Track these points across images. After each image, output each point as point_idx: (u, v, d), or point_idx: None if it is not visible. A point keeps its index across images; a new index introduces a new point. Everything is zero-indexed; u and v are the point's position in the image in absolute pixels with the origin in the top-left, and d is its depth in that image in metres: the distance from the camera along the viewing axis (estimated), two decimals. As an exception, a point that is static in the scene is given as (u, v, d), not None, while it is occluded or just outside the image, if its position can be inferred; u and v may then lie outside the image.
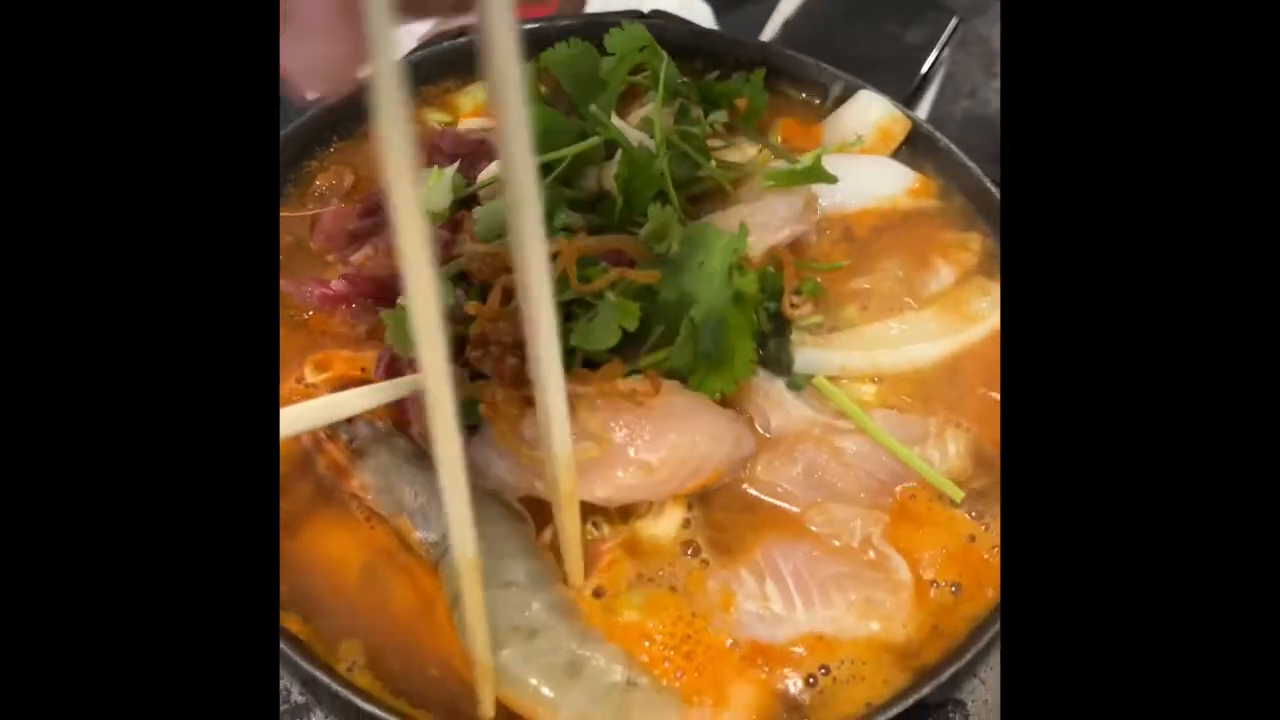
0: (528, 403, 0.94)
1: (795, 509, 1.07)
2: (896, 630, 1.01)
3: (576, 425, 0.93)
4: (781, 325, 1.16)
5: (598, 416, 0.97)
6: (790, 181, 1.25)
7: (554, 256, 0.96)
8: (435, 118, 1.40)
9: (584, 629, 0.95)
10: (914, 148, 1.39)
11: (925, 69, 1.62)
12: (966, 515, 1.09)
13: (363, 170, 1.32)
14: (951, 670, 0.98)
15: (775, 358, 1.15)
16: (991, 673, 1.12)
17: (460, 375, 0.97)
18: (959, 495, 1.08)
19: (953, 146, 1.36)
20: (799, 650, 0.99)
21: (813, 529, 1.05)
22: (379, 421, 1.08)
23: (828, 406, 1.14)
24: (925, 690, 0.96)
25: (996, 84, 1.66)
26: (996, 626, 1.01)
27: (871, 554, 1.03)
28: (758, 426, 1.12)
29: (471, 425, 0.99)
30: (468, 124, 1.36)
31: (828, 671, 0.99)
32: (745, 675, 0.97)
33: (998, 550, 1.07)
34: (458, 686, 0.95)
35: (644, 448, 0.99)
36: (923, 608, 1.03)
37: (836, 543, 1.04)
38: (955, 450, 1.13)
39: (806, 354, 1.16)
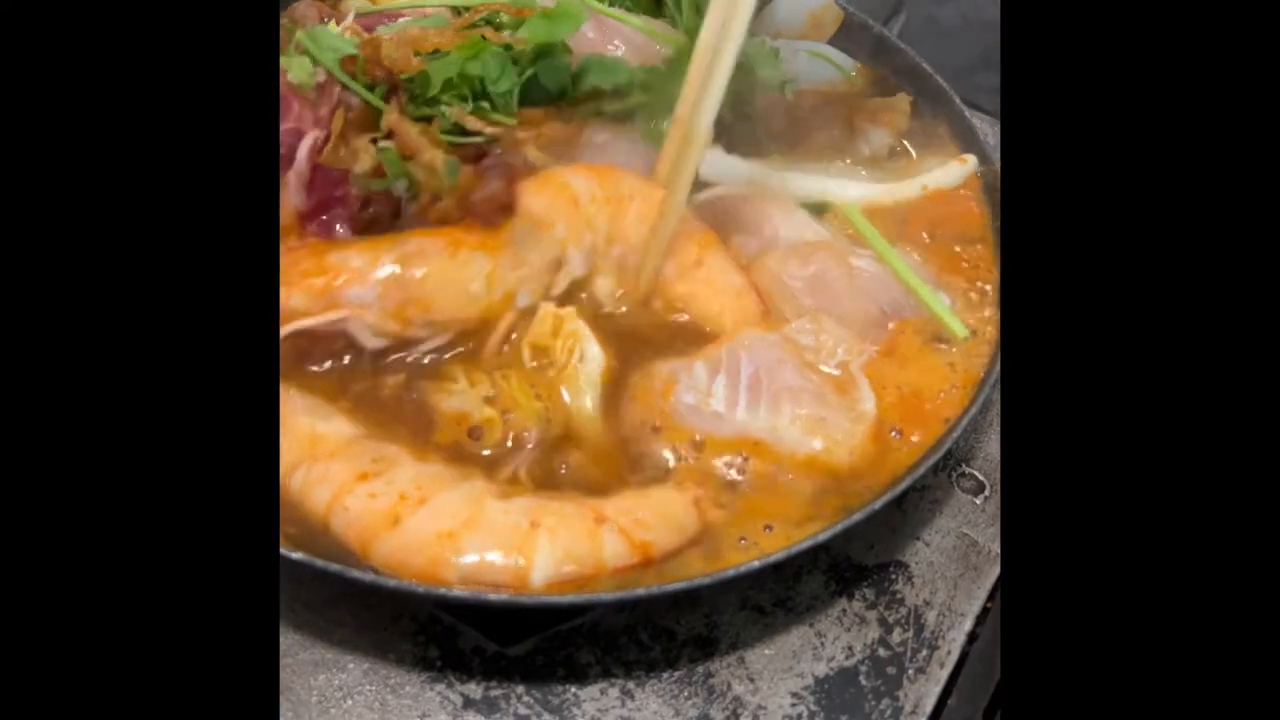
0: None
1: (788, 313, 1.03)
2: (841, 455, 0.94)
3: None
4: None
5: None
6: None
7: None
8: (356, 3, 1.35)
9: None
10: (848, 37, 1.36)
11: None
12: (947, 366, 1.04)
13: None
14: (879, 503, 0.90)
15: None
16: (936, 535, 1.05)
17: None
18: (963, 331, 1.04)
19: (886, 32, 1.34)
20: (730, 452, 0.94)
21: (798, 338, 0.98)
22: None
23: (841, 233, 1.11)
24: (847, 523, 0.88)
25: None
26: (919, 474, 0.93)
27: (841, 376, 0.98)
28: (766, 233, 1.07)
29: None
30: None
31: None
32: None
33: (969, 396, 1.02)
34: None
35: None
36: (876, 442, 0.97)
37: (811, 357, 0.98)
38: (955, 301, 1.09)
39: (716, 157, 1.11)
